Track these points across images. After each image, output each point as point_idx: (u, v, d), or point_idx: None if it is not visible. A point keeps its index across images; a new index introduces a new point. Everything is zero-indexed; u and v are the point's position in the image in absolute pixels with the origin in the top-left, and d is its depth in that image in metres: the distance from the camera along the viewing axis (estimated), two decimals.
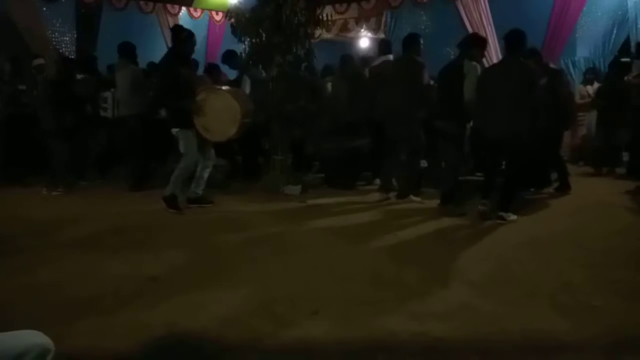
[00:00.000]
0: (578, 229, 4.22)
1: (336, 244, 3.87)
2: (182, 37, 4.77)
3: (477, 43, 4.93)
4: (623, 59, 7.46)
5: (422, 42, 5.19)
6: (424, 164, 5.62)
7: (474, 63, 4.75)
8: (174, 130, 4.76)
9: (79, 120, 5.83)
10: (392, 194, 5.35)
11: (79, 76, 6.19)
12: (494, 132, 4.32)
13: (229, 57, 6.51)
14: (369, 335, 2.46)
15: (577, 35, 8.00)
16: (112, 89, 6.23)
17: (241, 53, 5.79)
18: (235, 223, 4.46)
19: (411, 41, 5.15)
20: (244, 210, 4.91)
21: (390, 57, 6.05)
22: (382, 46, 6.23)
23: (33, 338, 1.44)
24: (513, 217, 4.44)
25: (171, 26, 4.90)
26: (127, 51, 5.87)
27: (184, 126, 4.69)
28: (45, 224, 4.40)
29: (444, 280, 3.12)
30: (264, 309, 2.73)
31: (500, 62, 4.48)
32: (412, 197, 5.25)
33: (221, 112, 4.72)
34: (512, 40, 4.36)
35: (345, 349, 2.37)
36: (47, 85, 5.86)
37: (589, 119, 7.39)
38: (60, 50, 8.64)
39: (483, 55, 5.09)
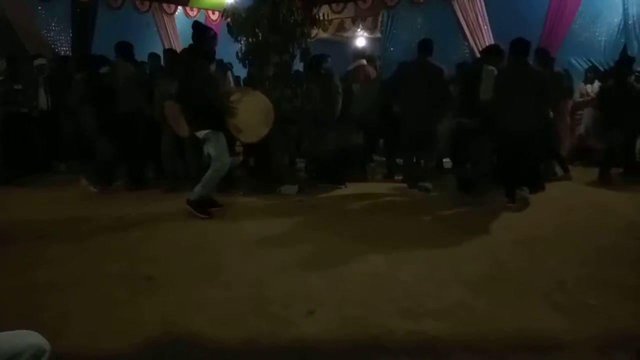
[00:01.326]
0: (572, 228, 4.24)
1: (331, 243, 3.87)
2: (208, 35, 4.49)
3: (497, 52, 5.38)
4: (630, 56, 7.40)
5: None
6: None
7: (492, 68, 5.12)
8: (202, 133, 4.42)
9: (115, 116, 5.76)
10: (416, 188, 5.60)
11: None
12: (513, 127, 4.68)
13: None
14: (365, 334, 2.47)
15: (573, 35, 8.02)
16: None
17: (237, 52, 5.78)
18: (230, 223, 4.45)
19: (428, 46, 5.58)
20: (240, 210, 4.91)
21: (364, 61, 6.43)
22: (356, 52, 7.05)
23: (28, 338, 1.45)
24: (526, 192, 4.84)
25: (192, 24, 4.58)
26: (124, 50, 5.84)
27: (216, 128, 4.42)
28: (41, 224, 4.38)
29: (439, 279, 3.14)
30: (260, 308, 2.74)
31: (512, 66, 4.93)
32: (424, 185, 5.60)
33: (255, 113, 4.78)
34: (520, 46, 4.83)
35: (341, 348, 2.38)
36: (80, 84, 5.86)
37: (585, 118, 7.38)
38: (56, 50, 8.61)
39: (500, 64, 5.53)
